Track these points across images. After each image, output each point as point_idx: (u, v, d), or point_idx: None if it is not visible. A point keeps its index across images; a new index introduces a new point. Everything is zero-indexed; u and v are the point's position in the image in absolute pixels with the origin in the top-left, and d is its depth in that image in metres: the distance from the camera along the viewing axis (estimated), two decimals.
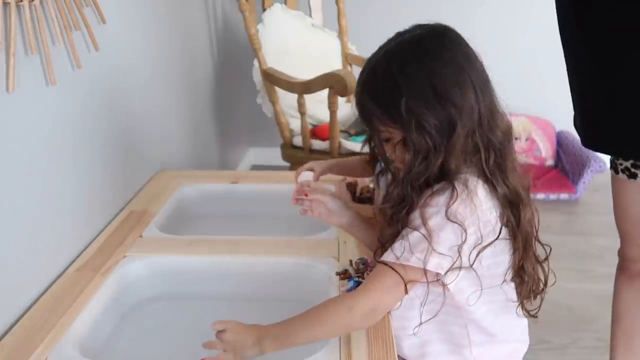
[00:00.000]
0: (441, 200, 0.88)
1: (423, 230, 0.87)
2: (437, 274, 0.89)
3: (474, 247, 0.89)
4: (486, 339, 0.99)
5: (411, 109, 0.87)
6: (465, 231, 0.87)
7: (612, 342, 1.42)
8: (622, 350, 1.40)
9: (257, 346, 0.88)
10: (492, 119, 0.92)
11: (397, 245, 0.89)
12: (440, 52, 0.90)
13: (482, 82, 0.91)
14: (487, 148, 0.91)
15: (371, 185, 1.51)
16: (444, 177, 0.90)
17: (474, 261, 0.89)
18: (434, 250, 0.87)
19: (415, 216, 0.89)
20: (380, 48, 0.95)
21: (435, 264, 0.87)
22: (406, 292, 0.89)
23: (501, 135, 0.93)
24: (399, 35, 0.94)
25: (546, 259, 1.00)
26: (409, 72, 0.88)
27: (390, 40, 0.94)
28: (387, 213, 0.95)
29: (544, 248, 0.99)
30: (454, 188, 0.88)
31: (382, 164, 1.32)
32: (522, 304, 1.01)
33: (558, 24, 1.25)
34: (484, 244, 0.90)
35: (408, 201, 0.91)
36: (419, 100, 0.87)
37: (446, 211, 0.87)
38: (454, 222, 0.87)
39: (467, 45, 0.93)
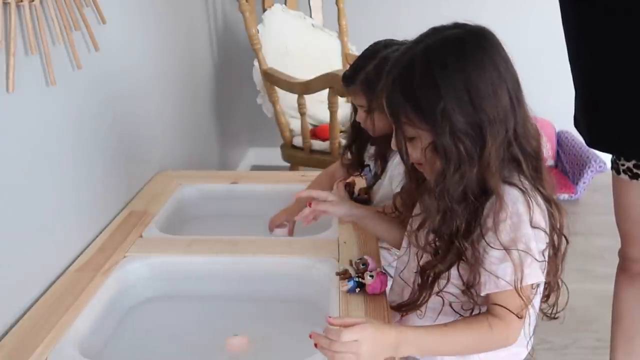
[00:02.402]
0: (520, 208, 0.85)
1: (520, 246, 0.84)
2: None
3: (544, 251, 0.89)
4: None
5: (447, 113, 0.83)
6: (547, 235, 0.87)
7: (612, 342, 1.42)
8: (622, 351, 1.40)
9: (393, 351, 0.84)
10: (526, 127, 0.89)
11: (503, 271, 0.85)
12: (482, 58, 0.86)
13: (518, 88, 0.89)
14: (526, 158, 0.88)
15: None
16: (486, 191, 0.86)
17: (545, 265, 0.89)
18: (537, 261, 0.85)
19: (500, 233, 0.85)
20: (416, 42, 0.88)
21: (542, 273, 0.87)
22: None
23: (535, 143, 0.90)
24: (437, 31, 0.88)
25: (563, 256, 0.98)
26: (450, 75, 0.84)
27: (427, 36, 0.88)
28: (428, 233, 0.90)
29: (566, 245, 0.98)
30: (524, 193, 0.86)
31: (375, 165, 1.35)
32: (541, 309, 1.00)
33: (562, 26, 1.25)
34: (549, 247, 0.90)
35: (454, 215, 0.86)
36: (455, 105, 0.84)
37: (530, 220, 0.85)
38: (537, 228, 0.86)
39: (504, 50, 0.89)
